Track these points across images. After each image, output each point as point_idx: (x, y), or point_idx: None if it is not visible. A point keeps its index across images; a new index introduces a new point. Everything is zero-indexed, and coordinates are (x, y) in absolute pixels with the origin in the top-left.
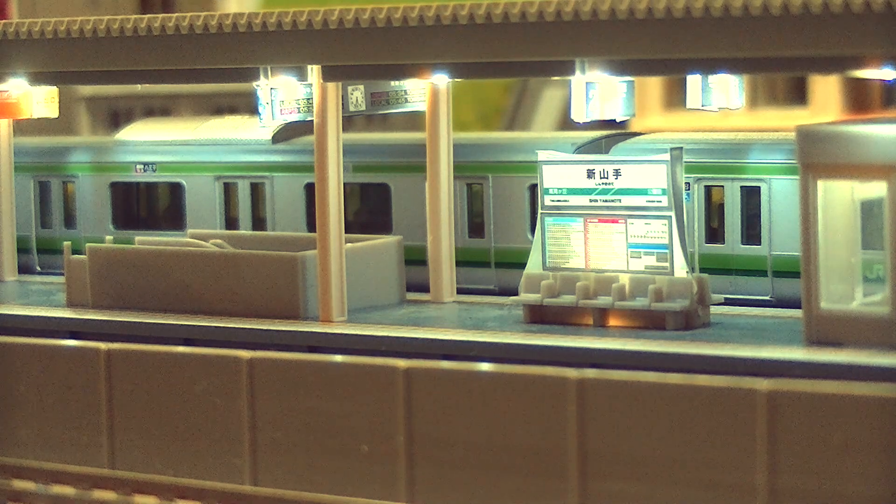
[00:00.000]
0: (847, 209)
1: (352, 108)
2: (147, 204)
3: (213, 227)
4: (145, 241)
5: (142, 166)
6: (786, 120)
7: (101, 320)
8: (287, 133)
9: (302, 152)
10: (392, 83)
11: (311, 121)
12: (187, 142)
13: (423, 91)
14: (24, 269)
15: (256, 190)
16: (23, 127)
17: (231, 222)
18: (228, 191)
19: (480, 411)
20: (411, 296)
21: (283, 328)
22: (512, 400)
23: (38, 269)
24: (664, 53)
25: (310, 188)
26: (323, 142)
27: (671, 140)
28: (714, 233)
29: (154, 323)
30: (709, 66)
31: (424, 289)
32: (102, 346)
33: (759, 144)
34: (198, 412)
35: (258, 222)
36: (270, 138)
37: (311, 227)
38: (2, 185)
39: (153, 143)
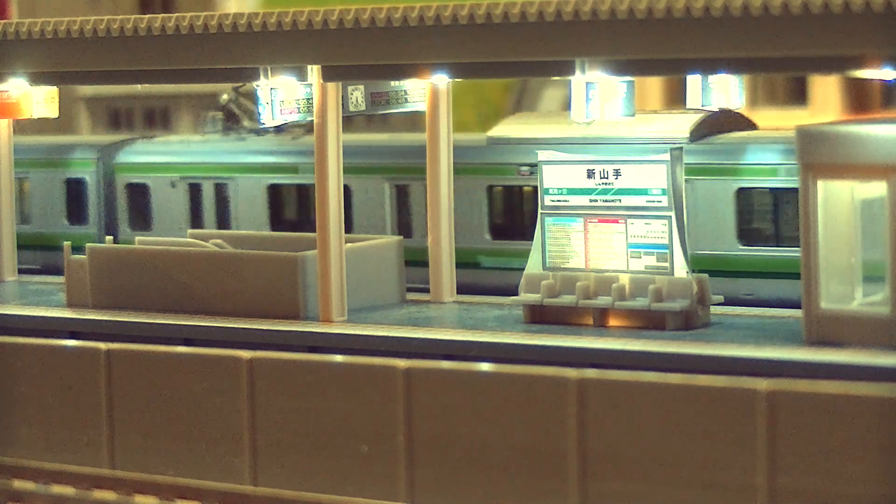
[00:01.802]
0: (847, 209)
1: (352, 108)
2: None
3: None
4: (145, 241)
5: (527, 169)
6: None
7: (101, 320)
8: (704, 130)
9: (724, 152)
10: (392, 83)
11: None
12: (579, 140)
13: (423, 91)
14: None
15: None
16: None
17: None
18: None
19: (480, 411)
20: (411, 296)
21: (283, 328)
22: (512, 400)
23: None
24: (664, 53)
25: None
26: (323, 142)
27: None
28: None
29: (154, 323)
30: (709, 66)
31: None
32: (102, 346)
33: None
34: (198, 412)
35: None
36: (688, 135)
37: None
38: (2, 185)
39: (537, 141)
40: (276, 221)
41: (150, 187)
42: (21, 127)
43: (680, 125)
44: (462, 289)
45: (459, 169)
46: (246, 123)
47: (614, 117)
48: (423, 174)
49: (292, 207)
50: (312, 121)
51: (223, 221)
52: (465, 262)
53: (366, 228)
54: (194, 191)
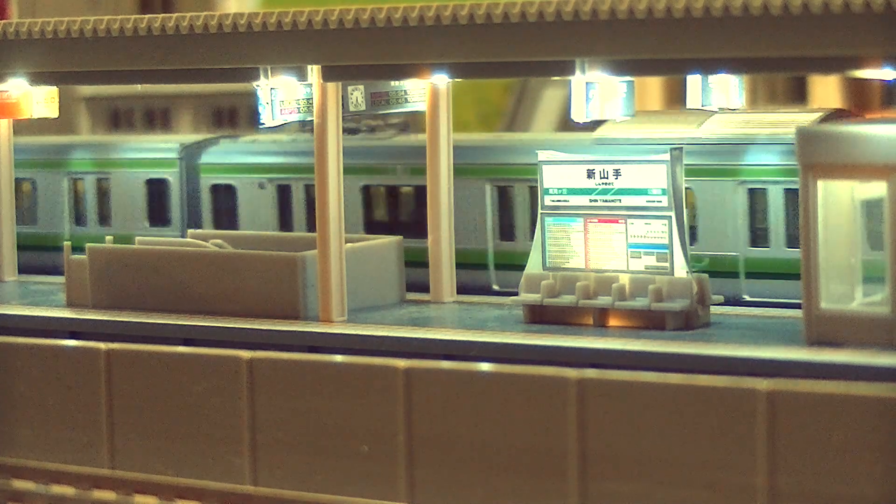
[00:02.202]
0: (847, 209)
1: (352, 108)
2: None
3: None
4: (145, 241)
5: None
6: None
7: (101, 320)
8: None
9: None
10: (392, 83)
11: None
12: (689, 141)
13: (423, 91)
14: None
15: (782, 198)
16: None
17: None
18: (756, 199)
19: (480, 411)
20: (411, 296)
21: (283, 328)
22: (512, 400)
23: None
24: (664, 53)
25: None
26: (323, 142)
27: None
28: None
29: (154, 323)
30: (709, 66)
31: None
32: (102, 346)
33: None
34: (198, 412)
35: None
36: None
37: None
38: (2, 185)
39: (643, 141)
40: (370, 223)
41: (236, 189)
42: (99, 126)
43: (802, 123)
44: None
45: None
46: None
47: (614, 117)
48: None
49: (387, 209)
50: (404, 122)
51: (315, 224)
52: None
53: (464, 233)
54: (283, 193)
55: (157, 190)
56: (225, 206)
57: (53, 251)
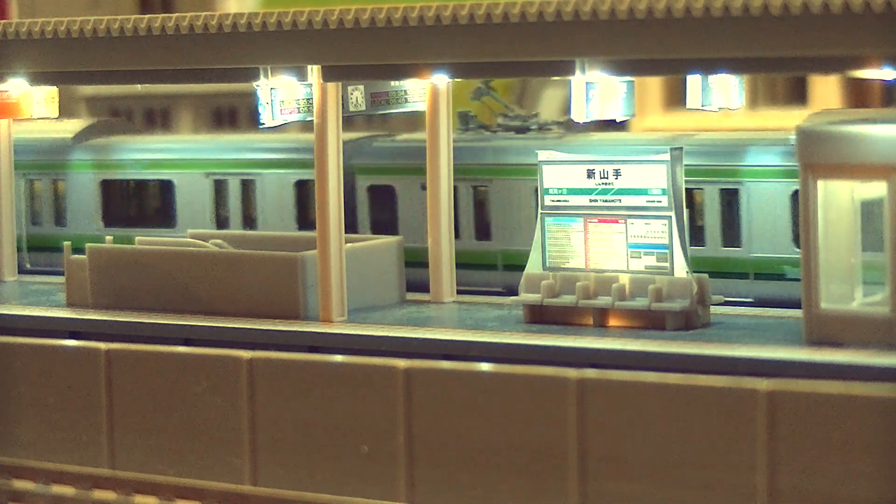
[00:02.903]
0: (847, 209)
1: (352, 108)
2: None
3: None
4: (145, 241)
5: None
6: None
7: (101, 320)
8: None
9: None
10: (392, 83)
11: None
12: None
13: (423, 91)
14: None
15: None
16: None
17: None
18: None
19: (480, 411)
20: (411, 296)
21: (283, 328)
22: (512, 400)
23: None
24: (664, 53)
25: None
26: (323, 142)
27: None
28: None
29: (154, 323)
30: (709, 66)
31: None
32: (102, 346)
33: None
34: (198, 412)
35: None
36: None
37: None
38: (2, 185)
39: None
40: None
41: (396, 190)
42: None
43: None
44: None
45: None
46: (499, 121)
47: (614, 117)
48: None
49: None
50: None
51: (482, 227)
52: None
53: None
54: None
55: (309, 192)
56: (384, 208)
57: None
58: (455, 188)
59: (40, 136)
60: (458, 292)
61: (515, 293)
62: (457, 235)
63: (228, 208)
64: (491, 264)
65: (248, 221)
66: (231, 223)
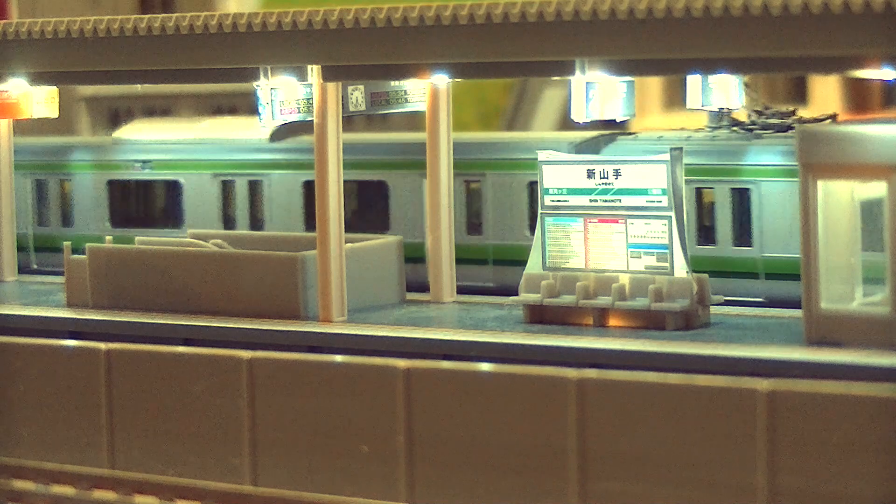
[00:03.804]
0: (847, 209)
1: (352, 108)
2: None
3: None
4: (145, 241)
5: None
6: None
7: (101, 320)
8: None
9: None
10: (392, 83)
11: None
12: None
13: (423, 91)
14: None
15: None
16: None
17: None
18: None
19: (480, 411)
20: (411, 296)
21: (283, 328)
22: (512, 400)
23: None
24: (664, 53)
25: None
26: (323, 142)
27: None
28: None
29: (154, 323)
30: (709, 66)
31: None
32: (102, 346)
33: None
34: (198, 412)
35: None
36: None
37: None
38: (2, 185)
39: None
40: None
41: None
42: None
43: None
44: None
45: None
46: (753, 119)
47: (614, 117)
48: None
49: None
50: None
51: (742, 235)
52: None
53: None
54: (698, 196)
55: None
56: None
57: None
58: (707, 190)
59: (234, 137)
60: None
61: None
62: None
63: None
64: (752, 272)
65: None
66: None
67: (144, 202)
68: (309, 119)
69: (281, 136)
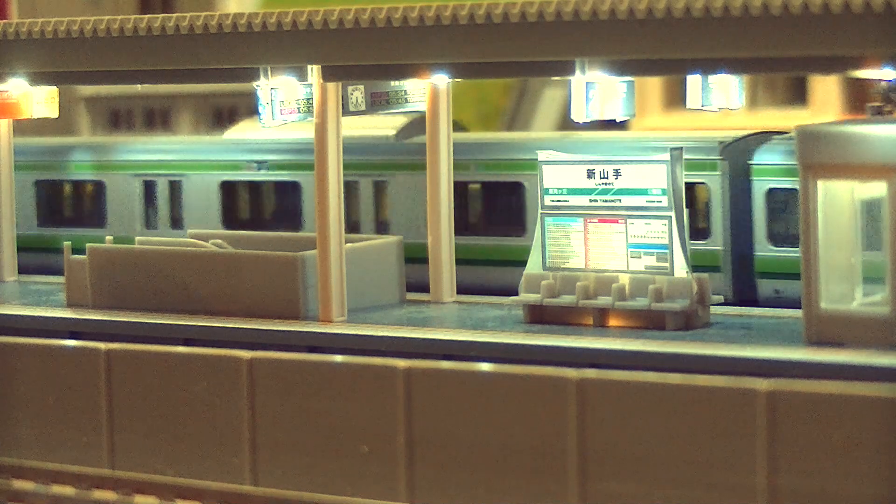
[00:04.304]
0: (847, 209)
1: (352, 108)
2: None
3: None
4: (145, 241)
5: None
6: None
7: (101, 320)
8: None
9: None
10: (392, 83)
11: None
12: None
13: (423, 91)
14: None
15: None
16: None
17: None
18: None
19: (480, 411)
20: (411, 296)
21: (283, 328)
22: (512, 400)
23: None
24: (664, 53)
25: None
26: (323, 142)
27: None
28: None
29: (154, 323)
30: (709, 66)
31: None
32: (102, 346)
33: None
34: (198, 412)
35: None
36: None
37: None
38: (2, 185)
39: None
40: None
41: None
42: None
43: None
44: None
45: None
46: None
47: (614, 117)
48: None
49: None
50: None
51: None
52: None
53: None
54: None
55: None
56: (786, 214)
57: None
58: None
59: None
60: None
61: None
62: None
63: None
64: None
65: None
66: None
67: (259, 204)
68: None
69: (406, 134)
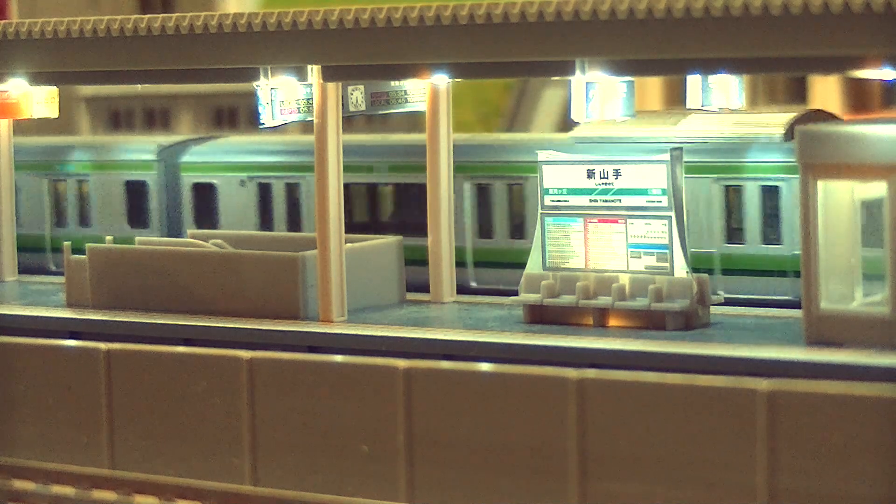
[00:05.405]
0: (847, 209)
1: (352, 108)
2: None
3: None
4: (145, 241)
5: None
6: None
7: (101, 320)
8: None
9: None
10: (392, 83)
11: None
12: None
13: (423, 91)
14: None
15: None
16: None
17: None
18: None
19: (480, 411)
20: (411, 296)
21: (283, 328)
22: (512, 400)
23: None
24: (664, 53)
25: None
26: (323, 142)
27: None
28: None
29: (154, 323)
30: (709, 66)
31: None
32: (102, 346)
33: None
34: (198, 412)
35: None
36: None
37: None
38: (2, 185)
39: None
40: None
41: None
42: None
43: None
44: None
45: None
46: None
47: (614, 117)
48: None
49: None
50: None
51: None
52: None
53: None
54: None
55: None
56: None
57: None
58: None
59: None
60: None
61: None
62: None
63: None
64: None
65: None
66: None
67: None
68: None
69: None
